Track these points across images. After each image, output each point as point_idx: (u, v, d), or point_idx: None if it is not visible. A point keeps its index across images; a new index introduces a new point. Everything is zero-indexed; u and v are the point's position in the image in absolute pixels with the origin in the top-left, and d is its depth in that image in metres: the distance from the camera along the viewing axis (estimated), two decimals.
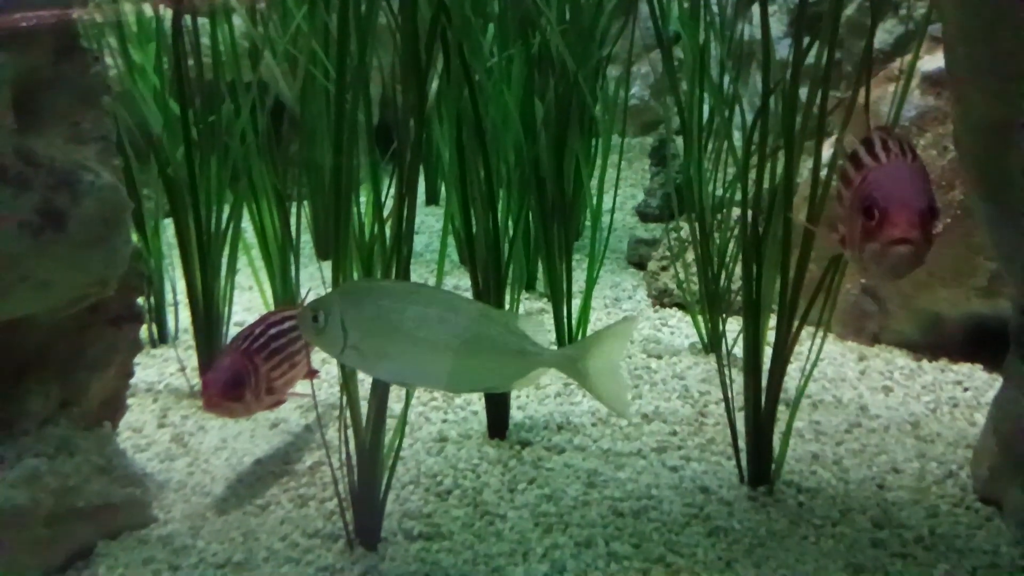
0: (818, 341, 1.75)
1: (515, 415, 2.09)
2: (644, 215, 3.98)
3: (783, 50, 4.83)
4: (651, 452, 1.93)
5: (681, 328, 2.76)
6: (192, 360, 2.33)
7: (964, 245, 2.34)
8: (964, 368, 2.35)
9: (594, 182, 2.77)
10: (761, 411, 1.74)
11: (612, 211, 2.98)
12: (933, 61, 2.54)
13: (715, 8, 2.64)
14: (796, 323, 1.73)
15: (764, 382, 1.74)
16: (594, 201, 2.64)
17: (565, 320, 2.47)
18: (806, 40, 1.70)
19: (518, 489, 1.78)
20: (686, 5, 2.60)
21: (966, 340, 2.44)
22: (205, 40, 2.30)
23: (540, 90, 2.64)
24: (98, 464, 1.56)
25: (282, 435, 2.03)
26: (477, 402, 2.19)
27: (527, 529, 1.63)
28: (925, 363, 2.40)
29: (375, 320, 1.21)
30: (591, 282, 2.50)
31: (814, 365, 1.76)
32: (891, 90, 2.63)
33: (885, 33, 4.57)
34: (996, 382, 2.25)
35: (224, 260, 2.26)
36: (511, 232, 2.23)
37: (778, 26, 5.33)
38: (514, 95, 2.51)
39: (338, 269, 1.55)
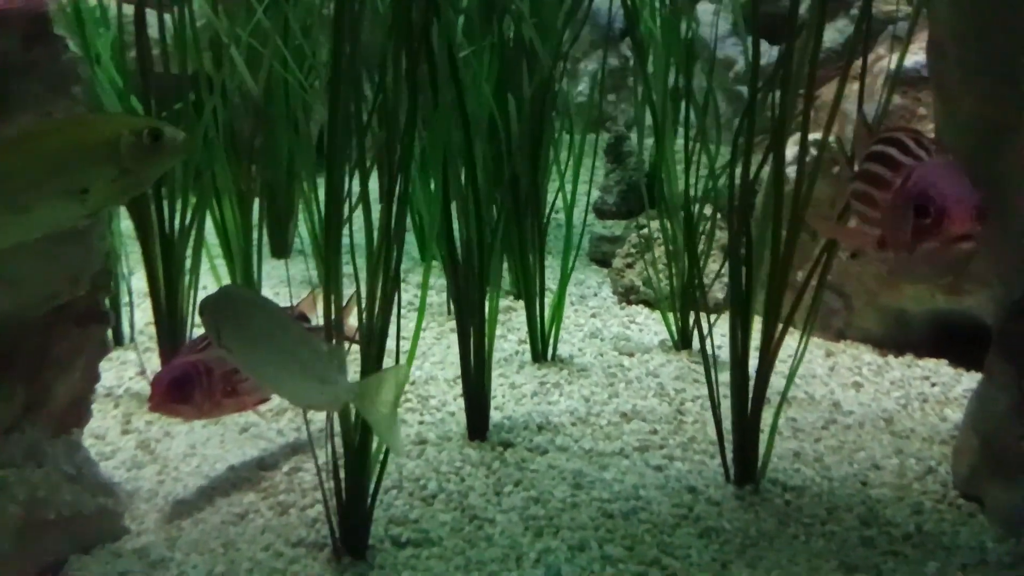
0: (798, 340, 1.76)
1: (493, 415, 2.06)
2: (601, 212, 3.97)
3: (727, 49, 4.90)
4: (633, 451, 1.92)
5: (649, 325, 2.77)
6: (154, 362, 2.24)
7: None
8: (930, 364, 2.39)
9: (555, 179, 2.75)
10: (747, 410, 1.74)
11: (571, 208, 2.94)
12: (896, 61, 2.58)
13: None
14: (781, 322, 1.73)
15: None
16: (568, 197, 2.61)
17: (537, 319, 2.44)
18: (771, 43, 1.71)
19: (504, 492, 1.75)
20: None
21: (930, 336, 2.50)
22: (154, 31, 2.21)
23: (510, 85, 2.62)
24: (68, 473, 1.48)
25: (253, 440, 1.96)
26: (453, 403, 2.16)
27: (517, 533, 1.60)
28: (891, 359, 2.44)
29: (233, 328, 1.32)
30: (564, 279, 2.48)
31: (798, 363, 1.77)
32: (854, 88, 2.68)
33: (836, 32, 4.66)
34: (963, 377, 2.32)
35: (188, 257, 2.17)
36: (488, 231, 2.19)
37: (723, 24, 5.38)
38: (486, 89, 2.47)
39: (330, 270, 1.49)
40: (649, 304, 2.93)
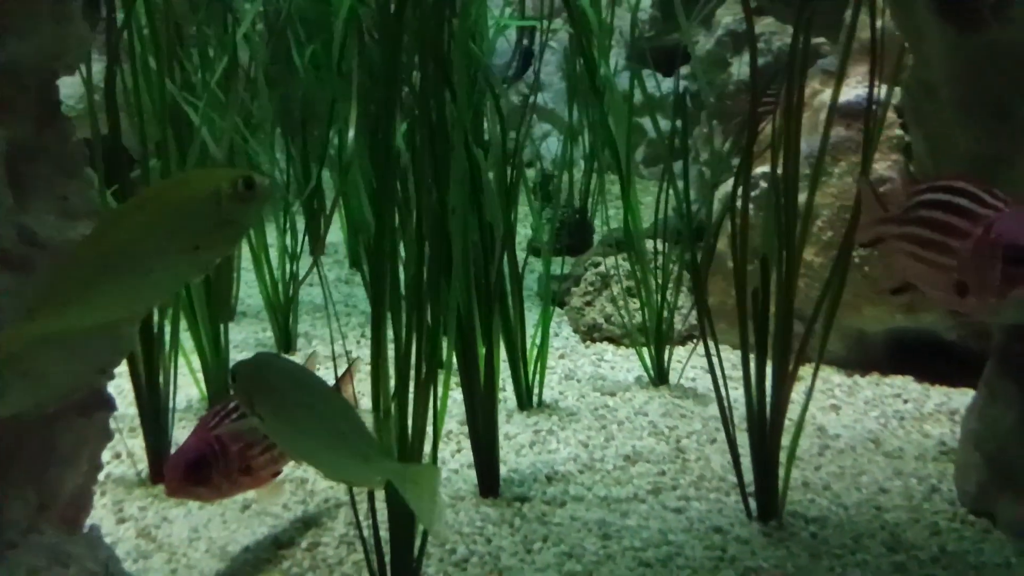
0: (811, 372, 1.82)
1: (499, 470, 2.03)
2: (536, 251, 4.00)
3: (623, 82, 5.05)
4: (648, 495, 1.93)
5: (619, 362, 2.80)
6: (133, 444, 2.11)
7: (886, 265, 2.51)
8: (896, 381, 2.51)
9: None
10: (766, 445, 1.78)
11: (546, 248, 2.95)
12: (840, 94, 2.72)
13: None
14: (793, 355, 1.78)
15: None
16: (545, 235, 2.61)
17: (521, 369, 2.42)
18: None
19: (535, 549, 1.72)
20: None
21: (888, 354, 2.62)
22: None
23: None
24: (94, 571, 1.37)
25: (259, 518, 1.87)
26: (453, 460, 2.12)
27: None
28: (859, 378, 2.55)
29: (268, 397, 1.25)
30: (547, 324, 2.48)
31: (809, 396, 1.82)
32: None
33: (745, 65, 4.87)
34: (930, 391, 2.43)
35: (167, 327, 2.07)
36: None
37: (618, 59, 5.55)
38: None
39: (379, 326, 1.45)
40: (613, 341, 2.96)
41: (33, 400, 1.26)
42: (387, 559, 1.57)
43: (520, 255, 3.83)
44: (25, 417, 1.34)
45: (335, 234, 4.02)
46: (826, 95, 2.78)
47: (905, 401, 2.38)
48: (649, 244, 2.88)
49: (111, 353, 1.28)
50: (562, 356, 2.86)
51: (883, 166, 2.59)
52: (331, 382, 1.79)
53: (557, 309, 3.32)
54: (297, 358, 2.22)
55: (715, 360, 1.85)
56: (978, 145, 1.52)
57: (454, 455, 2.14)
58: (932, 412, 2.30)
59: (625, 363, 2.77)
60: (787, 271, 1.73)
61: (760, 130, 2.67)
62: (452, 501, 1.92)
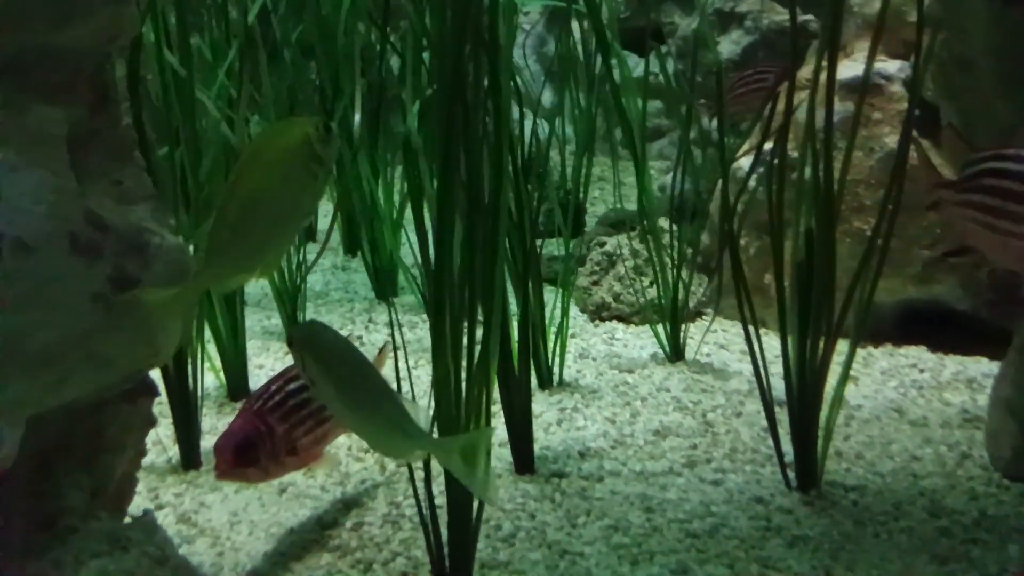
0: (846, 348, 1.84)
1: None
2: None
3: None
4: (684, 468, 1.94)
5: (631, 340, 2.80)
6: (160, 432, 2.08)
7: (899, 238, 2.53)
8: (910, 351, 2.54)
9: None
10: (806, 417, 1.80)
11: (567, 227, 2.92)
12: (845, 70, 2.73)
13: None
14: (830, 329, 1.80)
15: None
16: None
17: (541, 349, 2.42)
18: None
19: (579, 524, 1.73)
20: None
21: (900, 324, 2.65)
22: None
23: None
24: (155, 555, 1.36)
25: (298, 499, 1.85)
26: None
27: (614, 564, 1.59)
28: (872, 349, 2.58)
29: (317, 364, 1.29)
30: (566, 303, 2.48)
31: (848, 367, 1.84)
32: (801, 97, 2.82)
33: (732, 44, 4.89)
34: (945, 361, 2.47)
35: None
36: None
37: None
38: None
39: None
40: (623, 319, 2.97)
41: (97, 385, 1.23)
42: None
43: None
44: (78, 404, 1.32)
45: (327, 222, 3.99)
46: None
47: (921, 371, 2.42)
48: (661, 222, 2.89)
49: (171, 335, 1.25)
50: (573, 335, 2.86)
51: (893, 140, 2.61)
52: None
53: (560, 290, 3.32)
54: None
55: (750, 336, 1.86)
56: (1019, 117, 1.53)
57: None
58: (950, 381, 2.33)
59: (637, 341, 2.78)
60: (828, 246, 1.74)
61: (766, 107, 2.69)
62: None
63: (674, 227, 2.74)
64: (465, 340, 1.53)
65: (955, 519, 1.67)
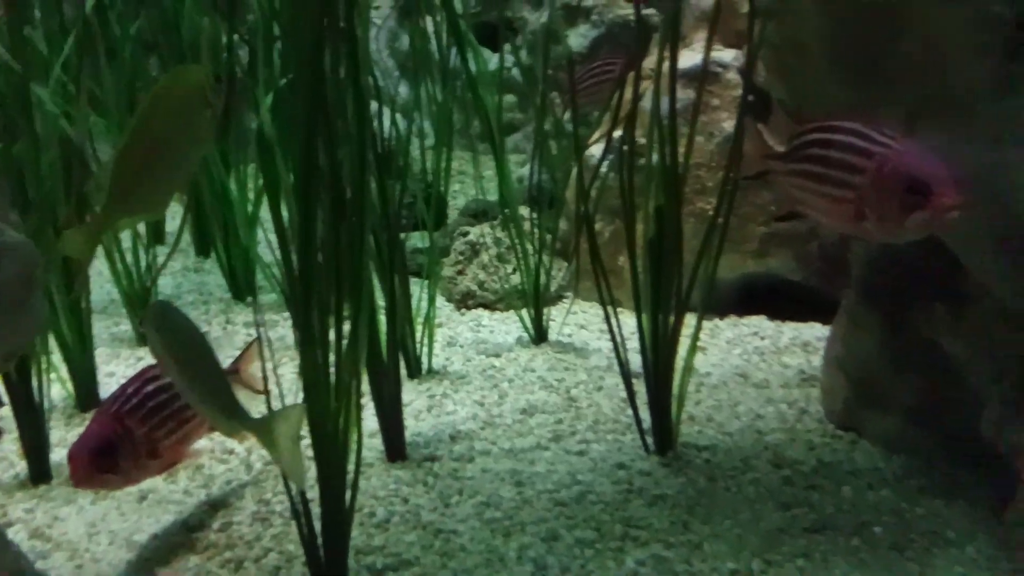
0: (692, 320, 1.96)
1: None
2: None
3: (455, 60, 5.12)
4: (550, 443, 2.02)
5: (496, 326, 2.87)
6: (8, 444, 1.97)
7: (737, 216, 2.71)
8: (752, 321, 2.73)
9: None
10: (660, 386, 1.91)
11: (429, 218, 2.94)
12: (684, 60, 2.90)
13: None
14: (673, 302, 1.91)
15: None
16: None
17: (409, 339, 2.45)
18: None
19: (453, 503, 1.77)
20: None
21: (741, 297, 2.85)
22: None
23: None
24: (11, 569, 1.30)
25: (160, 505, 1.81)
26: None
27: (487, 538, 1.64)
28: (718, 321, 2.75)
29: (163, 342, 1.36)
30: (433, 292, 2.51)
31: (695, 338, 1.96)
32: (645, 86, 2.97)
33: (580, 37, 5.05)
34: (783, 328, 2.67)
35: None
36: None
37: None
38: None
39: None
40: (488, 306, 3.03)
41: None
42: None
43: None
44: None
45: (175, 223, 3.85)
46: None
47: (762, 338, 2.60)
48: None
49: (22, 334, 1.21)
50: (440, 325, 2.90)
51: (731, 124, 2.79)
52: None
53: (425, 281, 3.35)
54: None
55: (608, 315, 1.96)
56: (849, 96, 1.67)
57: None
58: (787, 345, 2.52)
59: (503, 326, 2.85)
60: (675, 225, 1.85)
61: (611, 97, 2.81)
62: (362, 469, 1.92)
63: (533, 215, 2.83)
64: (332, 334, 1.54)
65: (796, 468, 1.83)
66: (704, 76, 2.02)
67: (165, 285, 3.29)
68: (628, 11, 4.83)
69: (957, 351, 1.59)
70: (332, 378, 1.53)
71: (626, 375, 1.96)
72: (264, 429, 1.35)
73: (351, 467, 1.56)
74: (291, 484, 1.47)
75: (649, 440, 1.95)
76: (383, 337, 2.01)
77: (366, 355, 1.97)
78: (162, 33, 3.14)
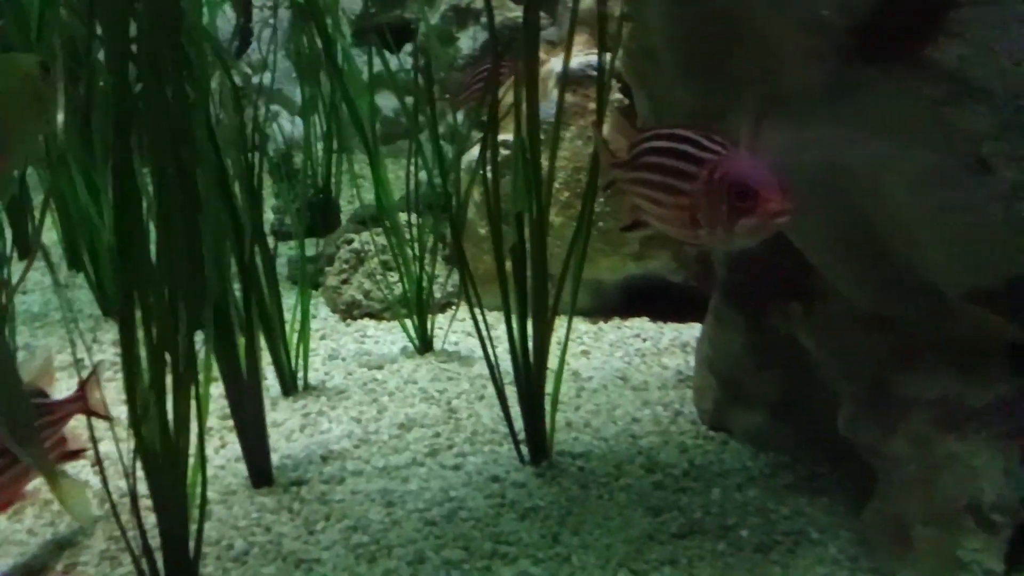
0: (563, 323, 1.94)
1: (271, 459, 1.97)
2: (280, 234, 3.89)
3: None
4: (425, 458, 1.97)
5: (382, 336, 2.81)
6: None
7: (616, 220, 2.72)
8: (634, 322, 2.74)
9: None
10: (532, 393, 1.88)
11: (300, 227, 2.83)
12: (559, 64, 2.89)
13: None
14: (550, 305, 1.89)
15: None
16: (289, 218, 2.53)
17: (283, 354, 2.36)
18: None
19: (318, 530, 1.70)
20: None
21: (623, 299, 2.86)
22: None
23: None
24: None
25: (2, 547, 1.68)
26: (218, 456, 2.03)
27: (351, 565, 1.58)
28: (602, 324, 2.75)
29: None
30: (306, 304, 2.43)
31: (566, 342, 1.95)
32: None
33: (470, 39, 5.02)
34: (664, 329, 2.69)
35: None
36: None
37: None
38: None
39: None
40: (374, 316, 2.96)
41: None
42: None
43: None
44: None
45: (46, 234, 3.65)
46: (551, 64, 2.96)
47: (644, 340, 2.61)
48: (403, 217, 2.91)
49: None
50: (323, 337, 2.82)
51: (606, 128, 2.79)
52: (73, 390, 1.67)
53: (313, 291, 3.25)
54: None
55: (480, 322, 1.92)
56: (698, 102, 1.68)
57: (218, 451, 2.05)
58: (667, 347, 2.54)
59: (388, 336, 2.78)
60: (539, 229, 1.83)
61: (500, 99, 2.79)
62: (223, 497, 1.84)
63: (413, 220, 2.77)
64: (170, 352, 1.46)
65: (668, 472, 1.82)
66: (565, 79, 2.00)
67: (33, 302, 3.12)
68: (516, 13, 4.83)
69: (811, 349, 1.61)
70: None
71: (498, 383, 1.93)
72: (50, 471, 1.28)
73: (217, 493, 1.48)
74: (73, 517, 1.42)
75: (525, 450, 1.92)
76: (241, 352, 1.93)
77: (228, 376, 1.89)
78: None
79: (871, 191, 1.25)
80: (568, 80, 2.84)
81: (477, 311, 2.81)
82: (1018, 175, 1.06)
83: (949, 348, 1.36)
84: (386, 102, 5.46)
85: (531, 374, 1.88)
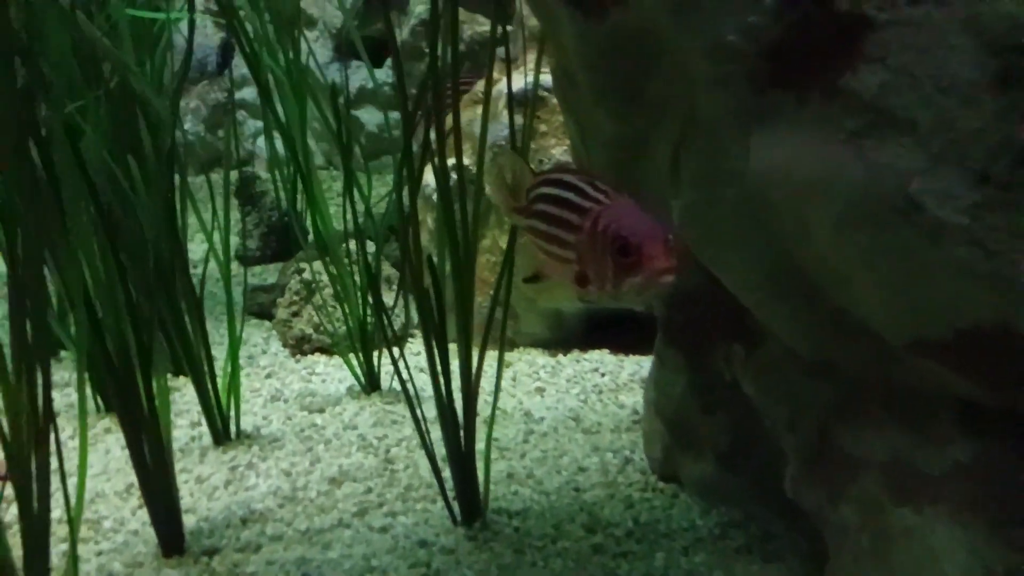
0: (518, 358, 1.79)
1: (187, 521, 1.82)
2: (245, 259, 3.75)
3: (331, 75, 4.90)
4: (353, 519, 1.81)
5: (331, 373, 2.67)
6: None
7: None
8: (594, 355, 2.59)
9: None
10: (462, 448, 1.73)
11: (206, 259, 2.64)
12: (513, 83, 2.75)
13: None
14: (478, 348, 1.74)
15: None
16: (210, 246, 2.36)
17: (213, 399, 2.21)
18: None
19: None
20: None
21: (583, 330, 2.71)
22: None
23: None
24: None
25: None
26: (133, 518, 1.88)
27: None
28: (561, 357, 2.61)
29: None
30: (235, 344, 2.27)
31: (498, 387, 1.80)
32: (479, 112, 2.81)
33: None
34: (624, 362, 2.54)
35: None
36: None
37: (323, 52, 5.40)
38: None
39: None
40: (325, 351, 2.82)
41: None
42: None
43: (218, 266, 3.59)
44: None
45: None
46: (501, 86, 2.82)
47: (603, 374, 2.46)
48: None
49: None
50: (269, 375, 2.67)
51: (559, 151, 2.65)
52: None
53: (266, 323, 3.11)
54: None
55: (395, 360, 1.78)
56: (617, 126, 1.54)
57: (135, 512, 1.90)
58: (626, 382, 2.39)
59: (338, 373, 2.64)
60: (463, 261, 1.69)
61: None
62: (129, 569, 1.69)
63: (354, 248, 2.61)
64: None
65: (609, 532, 1.67)
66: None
67: None
68: (486, 27, 4.71)
69: (753, 395, 1.46)
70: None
71: (421, 432, 1.77)
72: None
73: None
74: None
75: (458, 508, 1.77)
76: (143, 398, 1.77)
77: (129, 430, 1.74)
78: None
79: (796, 230, 1.10)
80: (517, 101, 2.72)
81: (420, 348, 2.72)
82: (951, 215, 0.91)
83: (897, 399, 1.21)
84: (369, 117, 5.34)
85: (458, 426, 1.73)
